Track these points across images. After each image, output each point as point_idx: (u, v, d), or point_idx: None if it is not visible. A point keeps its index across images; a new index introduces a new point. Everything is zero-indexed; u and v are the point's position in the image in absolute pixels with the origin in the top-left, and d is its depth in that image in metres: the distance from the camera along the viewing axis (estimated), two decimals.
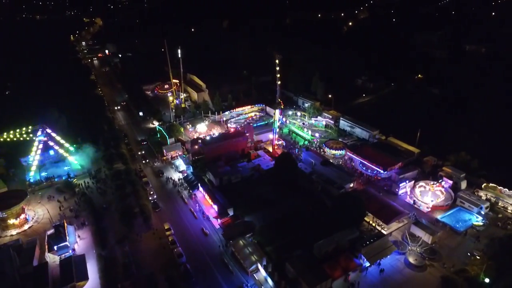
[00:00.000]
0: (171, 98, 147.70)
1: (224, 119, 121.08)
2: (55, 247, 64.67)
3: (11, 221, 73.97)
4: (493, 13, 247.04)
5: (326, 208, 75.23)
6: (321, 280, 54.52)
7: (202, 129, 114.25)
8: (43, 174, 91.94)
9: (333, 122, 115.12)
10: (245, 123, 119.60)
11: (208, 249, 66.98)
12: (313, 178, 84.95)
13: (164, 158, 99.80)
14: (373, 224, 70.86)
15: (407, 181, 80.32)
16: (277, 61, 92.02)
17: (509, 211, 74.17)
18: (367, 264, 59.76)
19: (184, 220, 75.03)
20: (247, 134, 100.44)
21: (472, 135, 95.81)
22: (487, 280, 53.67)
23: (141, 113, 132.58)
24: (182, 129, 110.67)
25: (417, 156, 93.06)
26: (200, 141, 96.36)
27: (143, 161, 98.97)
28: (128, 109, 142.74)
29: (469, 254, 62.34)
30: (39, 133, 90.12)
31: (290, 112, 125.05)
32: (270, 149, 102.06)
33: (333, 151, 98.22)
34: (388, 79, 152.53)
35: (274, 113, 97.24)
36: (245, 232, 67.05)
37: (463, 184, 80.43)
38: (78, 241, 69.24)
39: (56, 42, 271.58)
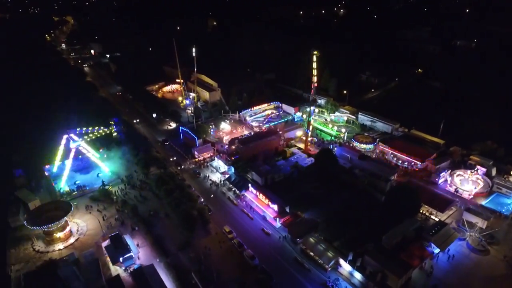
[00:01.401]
0: (180, 99, 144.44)
1: (246, 118, 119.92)
2: (121, 259, 61.41)
3: (58, 235, 69.20)
4: (467, 10, 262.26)
5: (377, 200, 77.44)
6: (405, 270, 56.34)
7: (227, 129, 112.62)
8: (77, 182, 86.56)
9: (354, 117, 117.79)
10: (265, 121, 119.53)
11: (276, 249, 66.63)
12: (356, 172, 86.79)
13: (196, 160, 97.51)
14: (426, 214, 73.86)
15: (446, 171, 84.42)
16: (314, 57, 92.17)
17: None
18: (436, 251, 62.36)
19: (240, 222, 74.06)
20: (280, 132, 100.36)
21: (491, 124, 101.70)
22: None
23: (154, 115, 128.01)
24: (209, 130, 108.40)
25: (443, 147, 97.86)
26: (237, 141, 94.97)
27: (176, 165, 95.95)
28: (136, 111, 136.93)
29: None
30: (75, 138, 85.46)
31: (307, 109, 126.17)
32: (301, 146, 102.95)
33: (363, 145, 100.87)
34: (390, 74, 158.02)
35: (309, 111, 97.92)
36: (311, 229, 67.48)
37: (494, 171, 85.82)
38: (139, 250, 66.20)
39: (31, 42, 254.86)
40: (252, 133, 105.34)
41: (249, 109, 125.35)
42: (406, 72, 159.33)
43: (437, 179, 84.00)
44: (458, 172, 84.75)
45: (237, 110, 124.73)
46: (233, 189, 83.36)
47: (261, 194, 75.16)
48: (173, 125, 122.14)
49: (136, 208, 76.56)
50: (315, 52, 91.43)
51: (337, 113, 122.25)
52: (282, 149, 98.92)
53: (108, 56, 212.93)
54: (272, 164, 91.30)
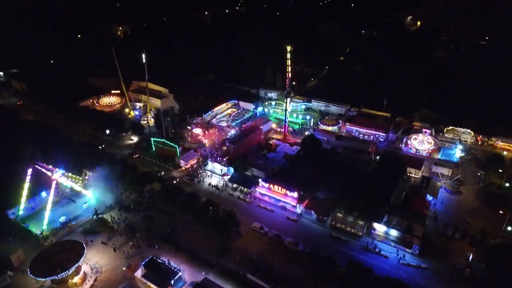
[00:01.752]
0: (127, 110, 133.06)
1: (213, 120, 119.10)
2: (172, 282, 56.96)
3: (74, 280, 59.32)
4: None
5: (365, 171, 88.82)
6: (423, 218, 68.10)
7: (199, 133, 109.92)
8: (61, 219, 73.76)
9: (311, 104, 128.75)
10: (231, 120, 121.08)
11: (308, 232, 71.06)
12: (339, 151, 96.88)
13: (183, 168, 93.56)
14: (408, 173, 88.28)
15: (405, 138, 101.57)
16: (288, 51, 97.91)
17: (469, 141, 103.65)
18: (430, 198, 76.41)
19: (262, 217, 75.60)
20: (261, 127, 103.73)
21: (419, 96, 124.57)
22: (507, 184, 77.70)
23: (108, 131, 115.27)
24: (186, 136, 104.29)
25: (391, 118, 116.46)
26: (227, 141, 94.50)
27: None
28: (76, 130, 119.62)
29: (478, 174, 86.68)
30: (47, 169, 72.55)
31: (266, 103, 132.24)
32: (277, 137, 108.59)
33: (329, 127, 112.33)
34: (319, 63, 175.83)
35: (286, 102, 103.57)
36: (333, 206, 74.10)
37: (433, 131, 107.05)
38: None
39: None
40: (238, 131, 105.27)
41: (211, 111, 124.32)
42: (331, 60, 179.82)
43: (400, 145, 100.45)
44: (414, 136, 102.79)
45: (195, 113, 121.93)
46: (239, 188, 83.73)
47: (275, 186, 77.99)
48: (135, 138, 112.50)
49: (150, 229, 70.64)
50: (288, 47, 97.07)
51: (292, 103, 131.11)
52: (265, 143, 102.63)
53: (1, 74, 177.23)
54: (263, 157, 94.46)
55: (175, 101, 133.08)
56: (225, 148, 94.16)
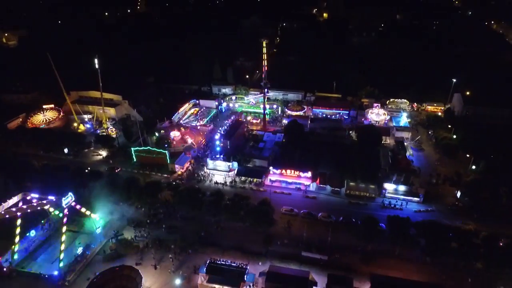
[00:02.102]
0: (75, 124, 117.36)
1: (181, 121, 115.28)
2: (245, 278, 56.81)
3: None
4: None
5: (345, 145, 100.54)
6: (416, 173, 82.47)
7: (178, 136, 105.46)
8: (79, 250, 63.74)
9: (270, 94, 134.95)
10: (199, 119, 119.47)
11: (329, 204, 78.25)
12: (319, 131, 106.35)
13: (180, 172, 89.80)
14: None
15: (364, 113, 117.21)
16: (264, 44, 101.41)
17: (408, 108, 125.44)
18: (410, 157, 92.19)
19: (283, 201, 79.33)
20: (244, 121, 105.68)
21: (353, 76, 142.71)
22: (454, 136, 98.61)
23: (66, 150, 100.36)
24: (170, 140, 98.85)
25: (342, 98, 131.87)
26: (222, 137, 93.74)
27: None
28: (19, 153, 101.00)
29: (429, 132, 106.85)
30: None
31: (227, 98, 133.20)
32: (256, 128, 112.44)
33: (296, 112, 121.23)
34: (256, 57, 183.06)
35: (264, 93, 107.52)
36: (342, 178, 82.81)
37: (380, 105, 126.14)
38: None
39: None
40: (227, 127, 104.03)
41: (176, 113, 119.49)
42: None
43: (362, 119, 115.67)
44: (370, 110, 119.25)
45: (163, 117, 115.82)
46: (249, 180, 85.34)
47: (288, 171, 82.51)
48: (104, 153, 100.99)
49: (186, 239, 67.59)
50: (265, 41, 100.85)
51: (251, 96, 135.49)
52: (250, 134, 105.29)
53: None
54: (255, 148, 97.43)
55: (131, 107, 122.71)
56: (221, 144, 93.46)
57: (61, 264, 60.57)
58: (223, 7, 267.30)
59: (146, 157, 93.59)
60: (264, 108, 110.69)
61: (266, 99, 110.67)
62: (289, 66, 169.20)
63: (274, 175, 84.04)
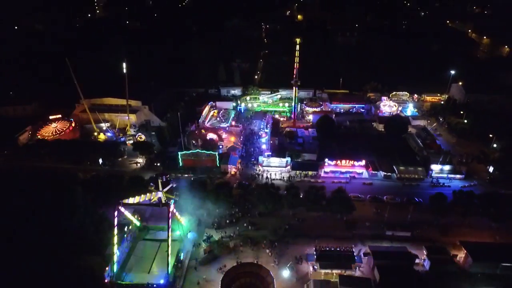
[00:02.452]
0: (95, 134, 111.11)
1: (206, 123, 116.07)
2: (356, 259, 60.64)
3: None
4: None
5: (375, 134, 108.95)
6: (452, 154, 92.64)
7: (211, 137, 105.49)
8: (181, 255, 62.20)
9: (281, 94, 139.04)
10: (224, 121, 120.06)
11: (383, 188, 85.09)
12: (347, 124, 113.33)
13: (233, 172, 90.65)
14: None
15: (378, 105, 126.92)
16: (297, 42, 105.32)
17: (409, 99, 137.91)
18: None
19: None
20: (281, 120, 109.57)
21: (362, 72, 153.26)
22: (465, 121, 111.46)
23: (100, 161, 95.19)
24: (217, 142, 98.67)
25: (350, 93, 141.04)
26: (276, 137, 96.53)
27: None
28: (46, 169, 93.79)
29: (440, 119, 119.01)
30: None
31: (243, 99, 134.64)
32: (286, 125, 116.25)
33: (314, 109, 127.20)
34: (249, 58, 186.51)
35: (294, 90, 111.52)
36: (391, 165, 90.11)
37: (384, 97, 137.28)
38: None
39: None
40: (270, 127, 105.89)
41: (201, 116, 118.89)
42: (259, 53, 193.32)
43: (378, 112, 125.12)
44: (382, 103, 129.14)
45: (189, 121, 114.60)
46: (305, 173, 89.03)
47: (343, 161, 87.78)
48: (141, 160, 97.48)
49: (274, 232, 69.47)
50: (297, 39, 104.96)
51: (263, 96, 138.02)
52: (286, 131, 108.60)
53: None
54: (296, 144, 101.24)
55: (151, 113, 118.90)
56: (275, 143, 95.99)
57: (169, 272, 58.87)
58: (200, 10, 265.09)
59: (194, 160, 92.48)
60: (295, 106, 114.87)
61: (295, 97, 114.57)
62: (284, 66, 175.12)
63: (329, 167, 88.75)
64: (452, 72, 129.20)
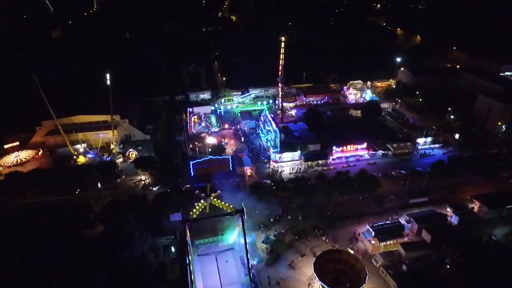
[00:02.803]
0: (74, 157, 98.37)
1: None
2: (404, 227, 68.00)
3: None
4: None
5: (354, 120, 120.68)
6: (424, 128, 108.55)
7: (213, 141, 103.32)
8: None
9: (254, 92, 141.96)
10: (208, 124, 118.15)
11: (387, 165, 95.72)
12: (329, 114, 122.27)
13: (250, 173, 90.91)
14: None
15: (345, 94, 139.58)
16: (282, 40, 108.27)
17: (364, 86, 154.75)
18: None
19: (355, 171, 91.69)
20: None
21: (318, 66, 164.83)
22: (420, 99, 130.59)
23: (99, 185, 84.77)
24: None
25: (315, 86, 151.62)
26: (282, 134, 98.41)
27: None
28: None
29: (398, 100, 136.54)
30: None
31: (218, 101, 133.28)
32: None
33: (290, 104, 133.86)
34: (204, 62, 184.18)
35: (280, 88, 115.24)
36: (382, 143, 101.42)
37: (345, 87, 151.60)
38: None
39: None
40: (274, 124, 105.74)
41: (188, 124, 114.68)
42: (209, 56, 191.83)
43: (347, 100, 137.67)
44: (347, 92, 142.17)
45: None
46: (316, 162, 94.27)
47: (347, 146, 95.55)
48: (143, 177, 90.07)
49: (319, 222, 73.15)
50: (282, 38, 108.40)
51: (235, 97, 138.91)
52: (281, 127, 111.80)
53: None
54: (293, 137, 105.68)
55: (132, 126, 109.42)
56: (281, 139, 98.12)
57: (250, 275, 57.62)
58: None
59: (207, 168, 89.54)
60: (282, 103, 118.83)
61: (281, 94, 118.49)
62: (240, 66, 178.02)
63: (337, 153, 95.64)
64: (398, 59, 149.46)
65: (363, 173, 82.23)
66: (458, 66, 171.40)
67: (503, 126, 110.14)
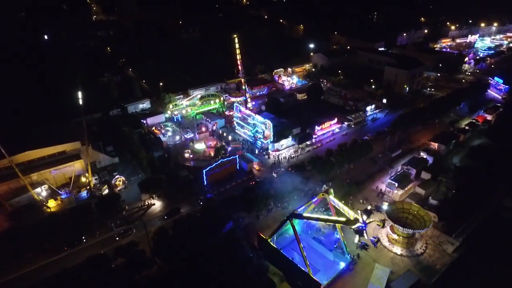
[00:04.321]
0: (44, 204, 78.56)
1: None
2: (412, 174, 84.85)
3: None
4: None
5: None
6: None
7: (202, 147, 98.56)
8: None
9: (202, 92, 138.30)
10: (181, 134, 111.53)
11: (356, 130, 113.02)
12: (282, 100, 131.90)
13: (258, 168, 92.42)
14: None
15: (282, 82, 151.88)
16: (235, 37, 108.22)
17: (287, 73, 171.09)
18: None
19: (336, 143, 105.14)
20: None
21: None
22: (342, 77, 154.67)
23: (112, 224, 70.92)
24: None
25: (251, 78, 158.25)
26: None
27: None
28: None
29: (322, 80, 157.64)
30: None
31: (166, 108, 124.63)
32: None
33: (238, 98, 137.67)
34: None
35: (243, 83, 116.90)
36: (345, 116, 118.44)
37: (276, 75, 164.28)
38: None
39: None
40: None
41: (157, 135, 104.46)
42: (115, 64, 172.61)
43: (283, 87, 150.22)
44: (282, 79, 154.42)
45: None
46: (306, 143, 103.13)
47: (324, 124, 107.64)
48: (152, 200, 79.65)
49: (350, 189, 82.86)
50: (235, 35, 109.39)
51: (178, 101, 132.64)
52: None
53: None
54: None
55: (96, 151, 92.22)
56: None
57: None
58: None
59: (219, 173, 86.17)
60: (246, 97, 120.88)
61: (245, 89, 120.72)
62: (157, 70, 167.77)
63: (319, 132, 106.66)
64: (311, 45, 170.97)
65: (355, 142, 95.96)
66: (349, 47, 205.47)
67: (407, 88, 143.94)
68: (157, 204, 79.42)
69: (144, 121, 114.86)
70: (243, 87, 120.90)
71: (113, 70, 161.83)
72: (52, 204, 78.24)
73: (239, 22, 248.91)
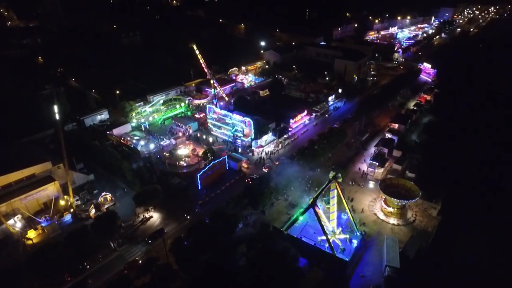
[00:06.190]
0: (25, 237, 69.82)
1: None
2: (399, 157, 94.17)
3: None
4: None
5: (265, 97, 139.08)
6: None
7: (185, 152, 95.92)
8: None
9: (161, 98, 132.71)
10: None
11: (325, 120, 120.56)
12: (247, 98, 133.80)
13: (246, 166, 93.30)
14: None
15: (240, 81, 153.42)
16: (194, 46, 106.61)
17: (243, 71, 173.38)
18: None
19: (310, 134, 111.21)
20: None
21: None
22: (296, 71, 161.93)
23: (113, 245, 65.74)
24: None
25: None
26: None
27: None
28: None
29: (278, 76, 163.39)
30: None
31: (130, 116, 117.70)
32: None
33: (202, 100, 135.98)
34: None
35: (213, 83, 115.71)
36: (312, 108, 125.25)
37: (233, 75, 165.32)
38: None
39: None
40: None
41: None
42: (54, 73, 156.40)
43: (244, 85, 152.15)
44: (240, 77, 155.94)
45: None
46: (284, 137, 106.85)
47: (297, 117, 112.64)
48: (148, 213, 75.46)
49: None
50: (193, 45, 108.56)
51: (140, 108, 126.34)
52: None
53: None
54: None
55: (70, 171, 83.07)
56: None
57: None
58: None
59: (211, 175, 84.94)
60: (215, 96, 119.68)
61: (214, 89, 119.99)
62: (104, 78, 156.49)
63: (294, 124, 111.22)
64: (262, 43, 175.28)
65: (331, 130, 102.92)
66: (294, 43, 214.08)
67: (355, 78, 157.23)
68: (155, 216, 75.49)
69: (110, 133, 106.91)
70: (214, 89, 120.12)
71: (53, 81, 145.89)
72: (32, 234, 69.22)
73: (179, 23, 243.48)
